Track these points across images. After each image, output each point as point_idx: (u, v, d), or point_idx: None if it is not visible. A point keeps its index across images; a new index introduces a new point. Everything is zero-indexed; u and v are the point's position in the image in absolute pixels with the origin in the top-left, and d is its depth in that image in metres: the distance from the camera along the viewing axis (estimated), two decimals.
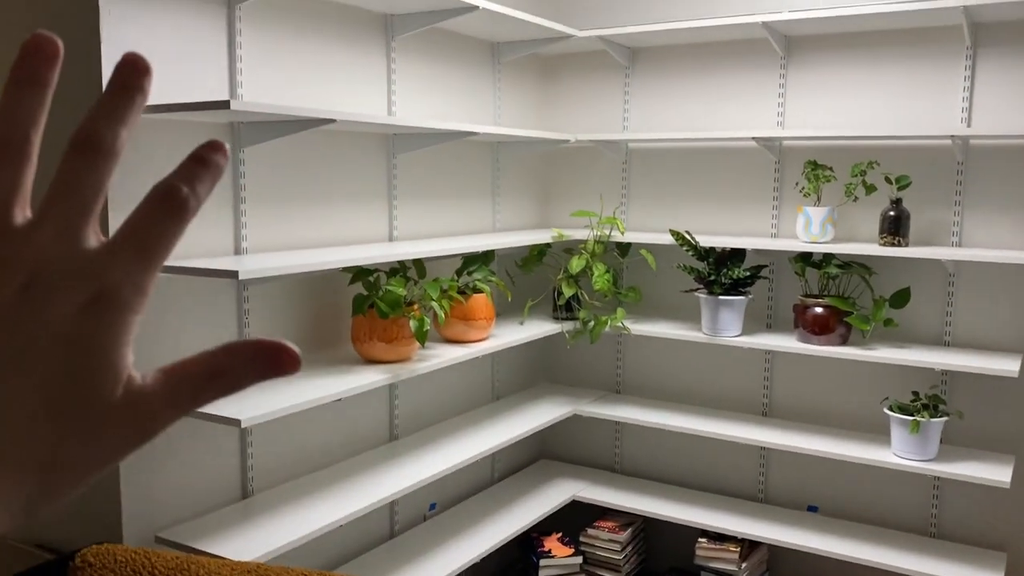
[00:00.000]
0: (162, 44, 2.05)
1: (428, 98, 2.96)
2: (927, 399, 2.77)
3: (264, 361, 0.37)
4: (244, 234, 2.30)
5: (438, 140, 2.71)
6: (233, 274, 1.88)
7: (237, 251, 2.29)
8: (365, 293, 2.45)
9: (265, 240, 2.37)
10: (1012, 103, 2.75)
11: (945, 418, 2.71)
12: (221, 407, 1.98)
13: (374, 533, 2.88)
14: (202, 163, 0.37)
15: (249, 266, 1.94)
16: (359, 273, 2.47)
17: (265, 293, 2.39)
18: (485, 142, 3.28)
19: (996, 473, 2.64)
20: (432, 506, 3.14)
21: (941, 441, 2.95)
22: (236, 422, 1.91)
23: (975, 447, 2.91)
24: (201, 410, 1.97)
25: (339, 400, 2.61)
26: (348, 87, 2.61)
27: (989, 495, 2.91)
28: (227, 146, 0.39)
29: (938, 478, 2.99)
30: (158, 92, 2.02)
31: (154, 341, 2.09)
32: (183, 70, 2.10)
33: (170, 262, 2.06)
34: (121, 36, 1.95)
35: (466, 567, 2.73)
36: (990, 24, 2.77)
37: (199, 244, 2.19)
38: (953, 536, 2.99)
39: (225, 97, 2.21)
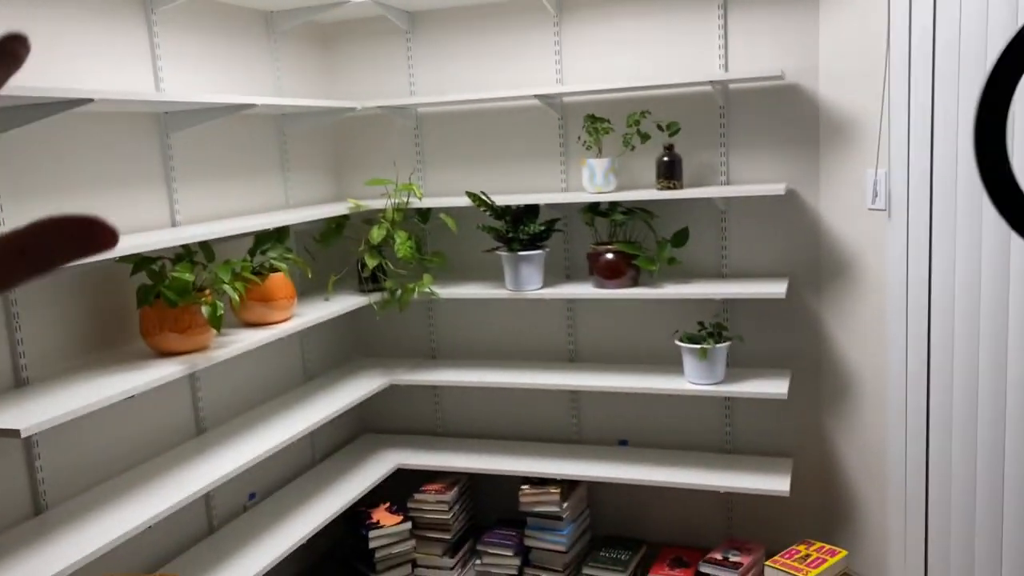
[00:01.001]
0: None
1: (200, 73, 2.82)
2: (711, 328, 3.00)
3: (74, 235, 0.35)
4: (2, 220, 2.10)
5: (215, 115, 2.59)
6: None
7: None
8: (150, 283, 2.31)
9: None
10: (761, 48, 2.99)
11: (728, 343, 2.95)
12: (13, 418, 1.82)
13: (192, 530, 2.77)
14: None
15: None
16: (140, 262, 2.33)
17: (35, 291, 2.20)
18: (269, 115, 3.17)
19: (775, 387, 2.91)
20: (251, 496, 3.05)
21: (728, 365, 3.22)
22: (15, 432, 1.76)
23: (756, 367, 3.20)
24: None
25: (131, 398, 2.47)
26: (109, 65, 2.43)
27: (772, 408, 3.21)
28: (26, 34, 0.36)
29: (728, 398, 3.26)
30: None
31: None
32: None
33: None
34: None
35: (291, 550, 2.69)
36: None
37: None
38: (745, 449, 3.28)
39: None
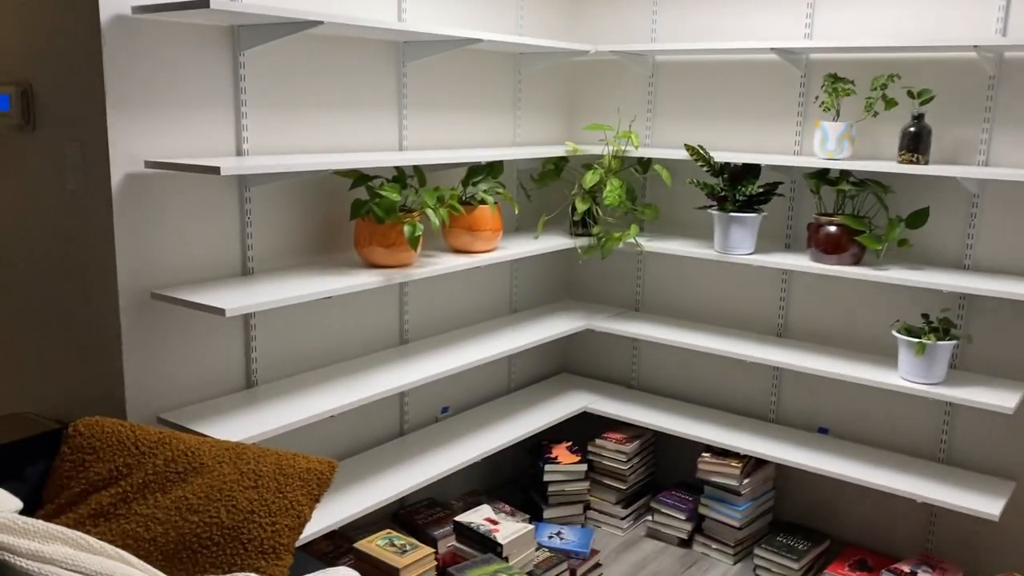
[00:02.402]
0: None
1: (445, 6, 2.95)
2: (937, 322, 2.70)
3: None
4: (245, 136, 2.38)
5: (449, 47, 2.71)
6: (215, 170, 1.96)
7: (238, 152, 2.38)
8: (365, 199, 2.51)
9: (267, 144, 2.45)
10: None
11: (954, 342, 2.65)
12: (208, 297, 2.10)
13: (384, 430, 3.02)
14: None
15: (236, 165, 2.03)
16: (360, 179, 2.53)
17: (268, 195, 2.48)
18: (507, 52, 3.27)
19: (1001, 399, 2.58)
20: (444, 409, 3.26)
21: (953, 366, 2.89)
22: (220, 311, 2.02)
23: (985, 373, 2.84)
24: (186, 298, 2.10)
25: (329, 298, 2.71)
26: None
27: (1001, 423, 2.85)
28: None
29: (950, 404, 2.93)
30: None
31: (154, 238, 2.21)
32: None
33: (163, 158, 2.16)
34: None
35: (470, 463, 2.84)
36: None
37: (199, 145, 2.28)
38: (962, 463, 2.94)
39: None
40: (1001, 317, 2.80)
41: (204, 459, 1.83)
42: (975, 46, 2.52)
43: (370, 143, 2.76)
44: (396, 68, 2.82)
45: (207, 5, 1.90)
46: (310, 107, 2.56)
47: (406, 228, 2.43)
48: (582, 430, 3.74)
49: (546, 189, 3.58)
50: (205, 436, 1.94)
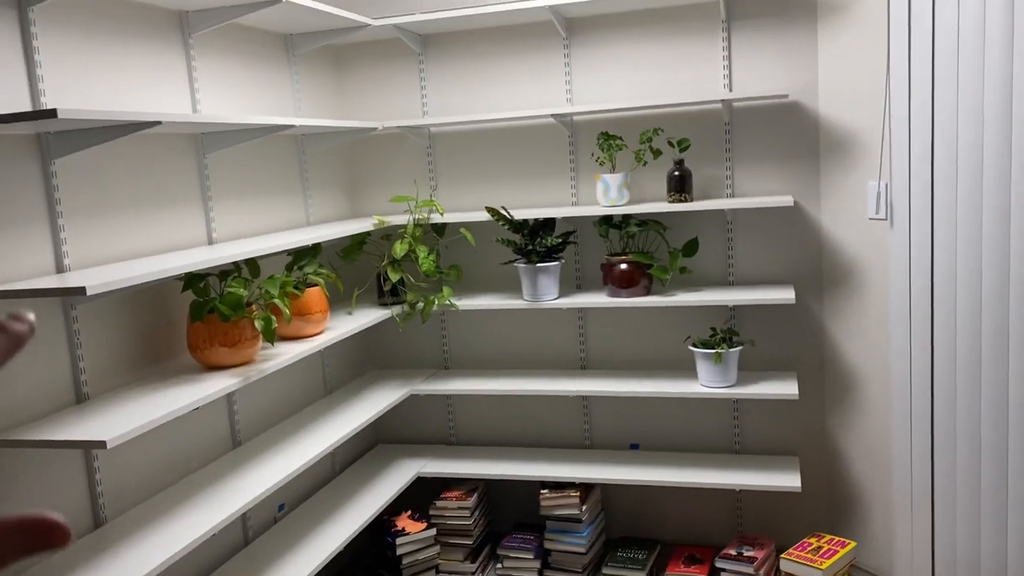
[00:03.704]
0: None
1: (230, 95, 2.90)
2: (724, 333, 3.15)
3: (30, 536, 0.36)
4: (65, 251, 2.16)
5: (250, 136, 2.67)
6: (80, 291, 1.79)
7: (59, 269, 2.15)
8: (200, 299, 2.39)
9: (87, 256, 2.24)
10: (763, 68, 3.17)
11: (740, 347, 3.10)
12: (88, 430, 1.88)
13: (229, 543, 2.82)
14: (1, 331, 0.38)
15: (92, 280, 1.85)
16: (191, 279, 2.40)
17: (95, 310, 2.26)
18: (290, 136, 3.26)
19: (786, 388, 3.07)
20: (280, 507, 3.11)
21: (739, 368, 3.37)
22: (101, 444, 1.83)
23: (762, 370, 3.36)
24: (54, 438, 1.87)
25: (197, 409, 2.53)
26: (150, 89, 2.51)
27: (778, 409, 3.37)
28: (31, 316, 0.40)
29: (737, 401, 3.41)
30: None
31: None
32: None
33: (4, 285, 1.91)
34: None
35: (328, 560, 2.75)
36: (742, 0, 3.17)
37: (14, 267, 2.03)
38: (753, 449, 3.43)
39: (26, 107, 2.06)
40: (763, 321, 3.33)
41: None
42: (720, 100, 3.02)
43: (178, 239, 2.62)
44: (198, 160, 2.71)
45: (55, 115, 1.74)
46: (122, 211, 2.38)
47: (258, 323, 2.35)
48: (410, 497, 3.76)
49: (347, 263, 3.59)
50: None
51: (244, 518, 2.90)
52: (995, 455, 2.57)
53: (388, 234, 3.43)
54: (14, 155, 2.04)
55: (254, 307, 2.46)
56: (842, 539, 3.11)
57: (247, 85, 2.99)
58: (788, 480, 3.10)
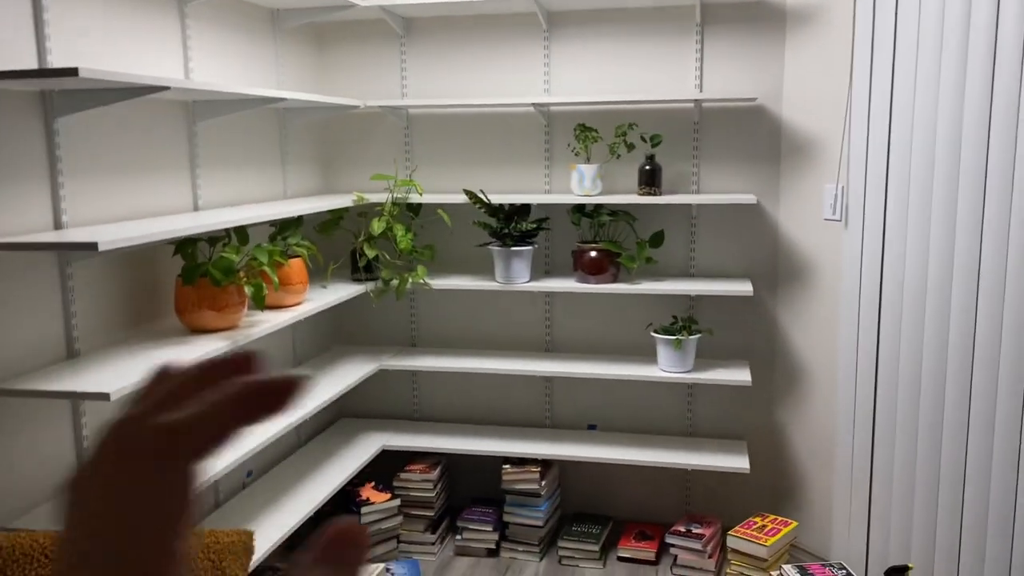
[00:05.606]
0: None
1: (218, 66, 2.94)
2: (684, 321, 3.32)
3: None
4: (64, 208, 2.19)
5: (240, 107, 2.72)
6: (92, 246, 1.84)
7: (58, 226, 2.19)
8: (190, 263, 2.44)
9: (84, 215, 2.28)
10: (732, 72, 3.34)
11: (699, 335, 3.27)
12: (86, 383, 1.93)
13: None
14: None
15: (102, 236, 1.91)
16: (183, 243, 2.45)
17: (88, 269, 2.30)
18: (272, 109, 3.30)
19: (740, 375, 3.25)
20: (248, 473, 3.17)
21: (696, 355, 3.55)
22: (105, 396, 1.88)
23: (717, 358, 3.54)
24: (54, 388, 1.92)
25: None
26: (149, 55, 2.54)
27: (730, 395, 3.56)
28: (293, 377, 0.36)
29: (692, 386, 3.59)
30: None
31: None
32: None
33: (5, 238, 1.95)
34: None
35: (297, 527, 2.83)
36: (716, 4, 3.33)
37: (12, 222, 2.07)
38: (704, 432, 3.61)
39: (32, 65, 2.09)
40: (719, 311, 3.51)
41: None
42: (692, 99, 3.17)
43: (166, 204, 2.66)
44: (187, 128, 2.75)
45: (75, 74, 1.79)
46: (118, 173, 2.41)
47: (248, 289, 2.42)
48: (374, 469, 3.84)
49: (324, 238, 3.65)
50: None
51: (217, 486, 2.95)
52: (930, 447, 2.79)
53: (363, 212, 3.50)
54: (19, 111, 2.07)
55: (243, 273, 2.52)
56: (784, 519, 3.31)
57: (234, 56, 3.04)
58: (737, 462, 3.29)
